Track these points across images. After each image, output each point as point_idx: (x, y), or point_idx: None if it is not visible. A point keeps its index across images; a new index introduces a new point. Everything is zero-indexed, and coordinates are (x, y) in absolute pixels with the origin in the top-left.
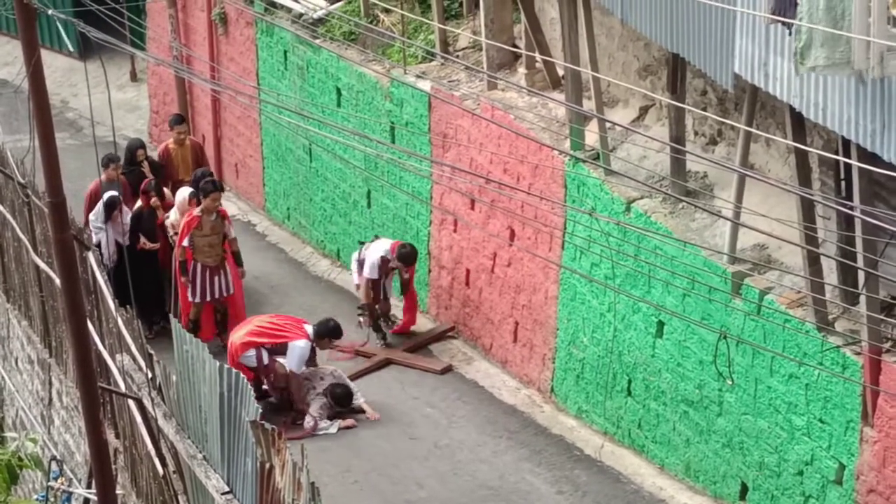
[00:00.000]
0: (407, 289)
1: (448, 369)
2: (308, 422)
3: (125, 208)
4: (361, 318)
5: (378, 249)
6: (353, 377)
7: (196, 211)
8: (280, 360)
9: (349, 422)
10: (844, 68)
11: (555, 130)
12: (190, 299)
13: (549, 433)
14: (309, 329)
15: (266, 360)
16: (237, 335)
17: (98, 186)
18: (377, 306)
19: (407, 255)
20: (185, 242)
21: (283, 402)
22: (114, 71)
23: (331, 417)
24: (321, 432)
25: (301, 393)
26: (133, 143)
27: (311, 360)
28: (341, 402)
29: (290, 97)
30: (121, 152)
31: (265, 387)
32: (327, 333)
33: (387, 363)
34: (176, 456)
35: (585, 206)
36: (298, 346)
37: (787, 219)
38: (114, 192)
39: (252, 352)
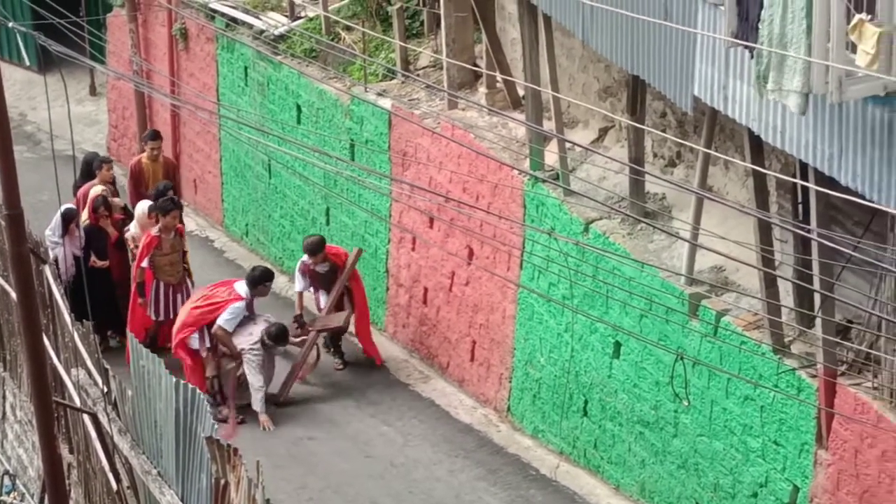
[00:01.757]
0: (354, 303)
1: (349, 317)
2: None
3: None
4: (299, 330)
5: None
6: (297, 367)
7: (154, 231)
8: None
9: (264, 419)
10: (789, 95)
11: (515, 150)
12: (153, 318)
13: (504, 452)
14: (241, 288)
15: (208, 342)
16: (178, 323)
17: (88, 191)
18: (322, 323)
19: (309, 245)
20: (145, 263)
21: (215, 398)
22: (73, 84)
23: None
24: (256, 399)
25: (233, 348)
26: (90, 157)
27: (249, 314)
28: (277, 340)
29: (249, 113)
30: (79, 165)
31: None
32: (259, 281)
33: (317, 336)
34: (130, 471)
35: (544, 225)
36: (232, 307)
37: (744, 241)
38: (70, 205)
39: (196, 335)
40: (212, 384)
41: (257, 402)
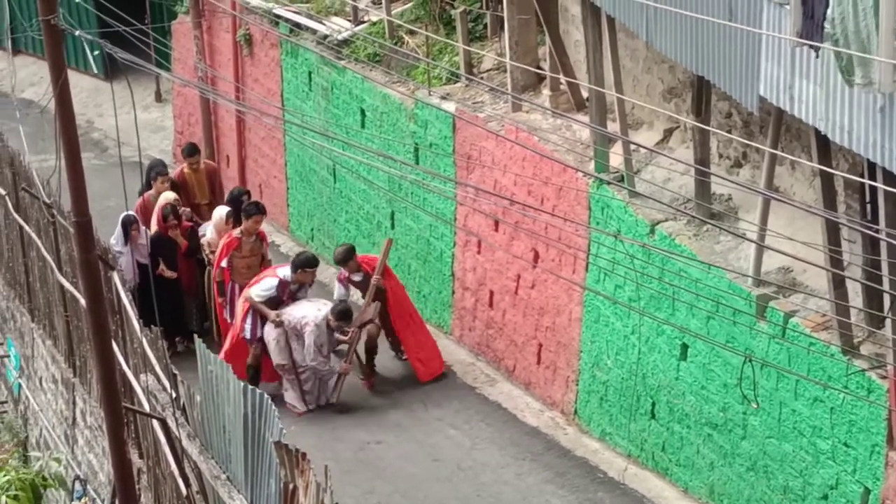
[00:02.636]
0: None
1: (377, 309)
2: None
3: (143, 228)
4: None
5: None
6: (344, 369)
7: (236, 233)
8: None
9: (346, 367)
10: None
11: (579, 152)
12: (227, 320)
13: (572, 455)
14: (283, 270)
15: (259, 332)
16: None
17: (147, 200)
18: (359, 320)
19: (336, 255)
20: (224, 263)
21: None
22: (139, 91)
23: (325, 348)
24: (322, 367)
25: (267, 312)
26: (154, 164)
27: (285, 296)
28: (342, 318)
29: (314, 118)
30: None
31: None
32: (300, 265)
33: (359, 333)
34: (199, 476)
35: (609, 228)
36: (264, 280)
37: (812, 242)
38: (129, 212)
39: (248, 325)
40: (248, 371)
41: (326, 368)
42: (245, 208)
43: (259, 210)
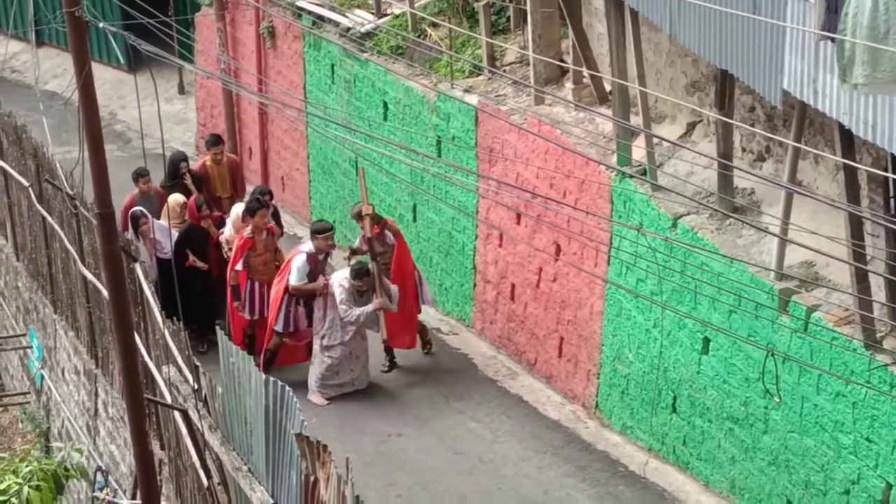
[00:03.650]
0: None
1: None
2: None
3: (157, 222)
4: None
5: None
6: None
7: (247, 232)
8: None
9: (379, 301)
10: (888, 86)
11: (601, 145)
12: (248, 318)
13: (593, 449)
14: (305, 245)
15: (292, 326)
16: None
17: (132, 201)
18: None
19: (353, 213)
20: (239, 266)
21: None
22: (162, 83)
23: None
24: (351, 318)
25: (314, 287)
26: (176, 156)
27: (317, 269)
28: (358, 276)
29: (336, 111)
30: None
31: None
32: (315, 232)
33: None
34: (221, 468)
35: (632, 221)
36: (293, 263)
37: (835, 236)
38: (136, 208)
39: (282, 318)
40: (265, 356)
41: (354, 315)
42: (248, 206)
43: (262, 204)
